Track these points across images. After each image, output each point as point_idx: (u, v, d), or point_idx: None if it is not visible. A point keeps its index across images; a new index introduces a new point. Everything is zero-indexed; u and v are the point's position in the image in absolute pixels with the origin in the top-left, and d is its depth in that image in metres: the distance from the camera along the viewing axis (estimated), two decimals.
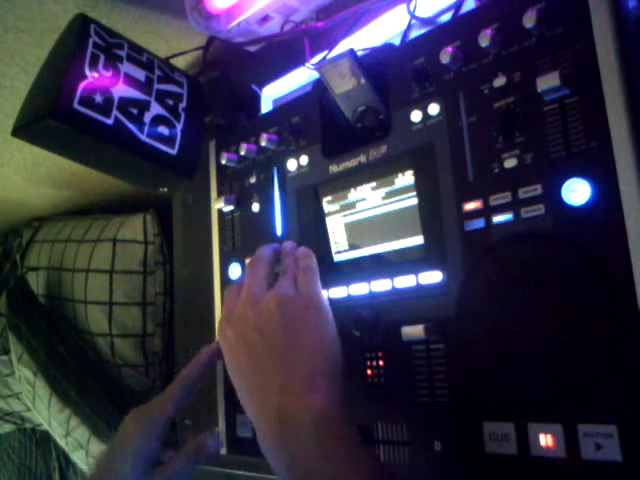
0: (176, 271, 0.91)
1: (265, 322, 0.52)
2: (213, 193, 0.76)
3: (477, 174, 0.51)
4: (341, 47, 0.69)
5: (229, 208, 0.73)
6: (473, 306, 0.50)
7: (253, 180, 0.71)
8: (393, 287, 0.56)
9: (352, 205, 0.61)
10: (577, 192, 0.44)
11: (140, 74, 0.67)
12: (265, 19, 0.73)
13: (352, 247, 0.62)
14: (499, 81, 0.50)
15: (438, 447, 0.51)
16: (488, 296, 0.49)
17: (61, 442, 1.15)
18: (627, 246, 0.42)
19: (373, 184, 0.60)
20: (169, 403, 0.57)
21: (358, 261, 0.61)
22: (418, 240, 0.56)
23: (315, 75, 0.69)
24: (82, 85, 0.61)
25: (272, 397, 0.48)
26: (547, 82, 0.45)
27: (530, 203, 0.47)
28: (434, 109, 0.54)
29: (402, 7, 0.65)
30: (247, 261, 0.70)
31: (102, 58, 0.64)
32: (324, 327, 0.52)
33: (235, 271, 0.72)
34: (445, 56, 0.51)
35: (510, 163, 0.49)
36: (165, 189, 0.77)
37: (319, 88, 0.64)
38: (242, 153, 0.71)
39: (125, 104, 0.64)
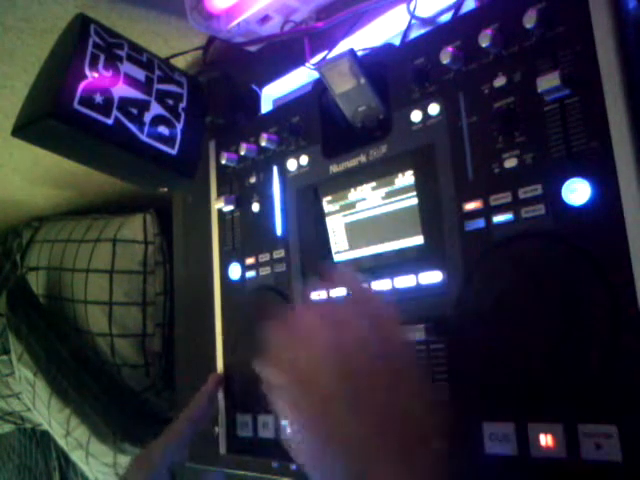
0: (176, 271, 0.91)
1: None
2: (213, 193, 0.76)
3: (477, 174, 0.51)
4: (341, 47, 0.69)
5: (229, 208, 0.73)
6: (473, 306, 0.50)
7: (253, 180, 0.71)
8: (393, 287, 0.56)
9: (352, 205, 0.61)
10: (577, 192, 0.44)
11: (140, 74, 0.67)
12: (265, 19, 0.73)
13: (352, 247, 0.62)
14: (499, 81, 0.50)
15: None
16: (488, 296, 0.49)
17: (61, 442, 1.15)
18: (627, 246, 0.42)
19: (373, 184, 0.60)
20: (167, 453, 0.58)
21: (358, 261, 0.61)
22: (418, 240, 0.56)
23: (315, 75, 0.69)
24: (82, 85, 0.61)
25: None
26: (547, 82, 0.45)
27: (530, 203, 0.47)
28: (434, 109, 0.54)
29: (402, 7, 0.65)
30: (248, 261, 0.70)
31: (102, 58, 0.64)
32: None
33: (235, 271, 0.72)
34: (445, 56, 0.51)
35: (510, 163, 0.49)
36: (165, 189, 0.77)
37: (319, 88, 0.64)
38: (242, 153, 0.71)
39: (125, 104, 0.64)
